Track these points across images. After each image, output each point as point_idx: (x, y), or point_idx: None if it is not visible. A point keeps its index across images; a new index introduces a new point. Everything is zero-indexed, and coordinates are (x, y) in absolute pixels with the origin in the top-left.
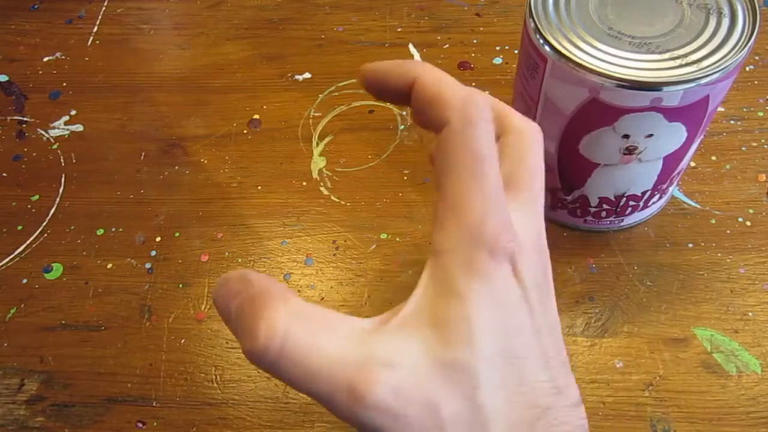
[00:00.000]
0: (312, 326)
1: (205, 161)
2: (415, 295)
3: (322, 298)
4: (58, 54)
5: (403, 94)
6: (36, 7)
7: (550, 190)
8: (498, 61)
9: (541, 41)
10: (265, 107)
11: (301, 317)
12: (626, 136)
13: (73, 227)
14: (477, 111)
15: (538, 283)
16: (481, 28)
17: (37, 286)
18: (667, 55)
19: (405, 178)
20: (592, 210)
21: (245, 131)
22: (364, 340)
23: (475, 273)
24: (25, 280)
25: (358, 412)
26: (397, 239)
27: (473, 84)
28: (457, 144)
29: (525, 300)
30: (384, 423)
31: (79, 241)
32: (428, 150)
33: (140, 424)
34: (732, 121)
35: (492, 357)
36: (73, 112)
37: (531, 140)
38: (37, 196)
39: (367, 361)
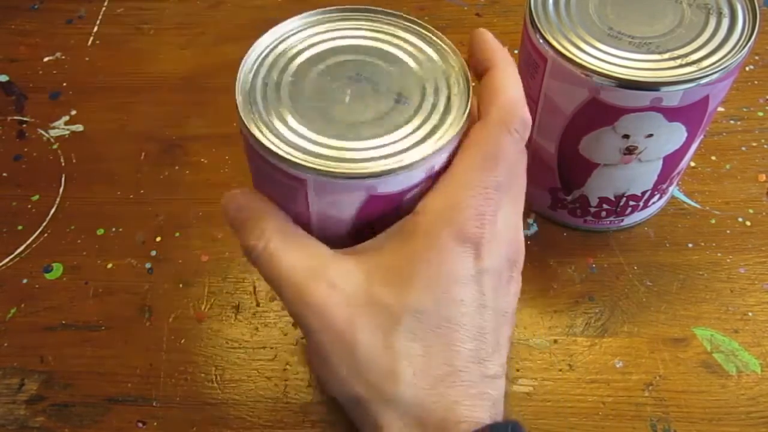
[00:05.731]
0: (287, 241)
1: (205, 161)
2: (381, 236)
3: None
4: (58, 54)
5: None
6: (36, 7)
7: (550, 190)
8: None
9: (541, 41)
10: None
11: (282, 232)
12: (626, 136)
13: (73, 227)
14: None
15: (499, 271)
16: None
17: (37, 286)
18: (667, 55)
19: None
20: (592, 210)
21: None
22: (322, 259)
23: (434, 247)
24: (25, 280)
25: (298, 307)
26: None
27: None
28: (477, 134)
29: (476, 281)
30: (312, 323)
31: (79, 241)
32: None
33: (140, 424)
34: (732, 121)
35: (419, 311)
36: (73, 112)
37: (506, 72)
38: (37, 196)
39: (316, 274)
